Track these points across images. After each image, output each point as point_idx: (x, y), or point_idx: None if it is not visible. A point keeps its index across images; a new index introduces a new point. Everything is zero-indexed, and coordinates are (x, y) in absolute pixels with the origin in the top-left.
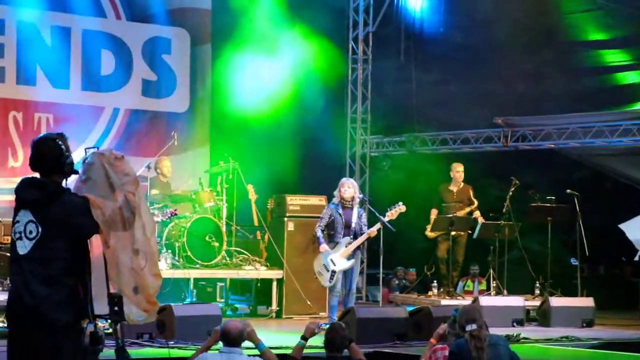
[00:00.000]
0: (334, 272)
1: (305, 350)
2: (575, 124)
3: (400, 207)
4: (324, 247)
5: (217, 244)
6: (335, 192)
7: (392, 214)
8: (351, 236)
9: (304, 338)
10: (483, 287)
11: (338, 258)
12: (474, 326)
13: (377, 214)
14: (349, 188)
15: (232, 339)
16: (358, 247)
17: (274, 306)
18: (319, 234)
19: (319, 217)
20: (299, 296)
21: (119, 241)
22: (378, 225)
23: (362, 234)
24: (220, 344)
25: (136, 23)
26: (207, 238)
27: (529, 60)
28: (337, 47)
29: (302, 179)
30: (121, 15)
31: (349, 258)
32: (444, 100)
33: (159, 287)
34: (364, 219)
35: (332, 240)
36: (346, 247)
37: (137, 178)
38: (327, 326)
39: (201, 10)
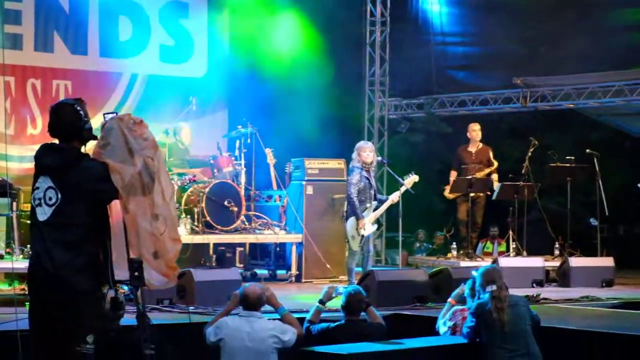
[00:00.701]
0: (363, 236)
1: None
2: (594, 83)
3: (413, 177)
4: (363, 222)
5: (236, 209)
6: (354, 156)
7: (407, 183)
8: (376, 200)
9: (322, 302)
10: (503, 248)
11: (367, 223)
12: (494, 287)
13: (396, 176)
14: (370, 152)
15: (251, 303)
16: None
17: (294, 270)
18: (357, 202)
19: (338, 181)
20: (318, 260)
21: (138, 206)
22: (400, 191)
23: (378, 197)
24: (240, 308)
25: None
26: (225, 203)
27: (551, 20)
28: (355, 9)
29: (321, 143)
30: None
31: (373, 223)
32: (463, 62)
33: (179, 251)
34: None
35: (362, 205)
36: (373, 211)
37: (156, 142)
38: (345, 289)
39: None
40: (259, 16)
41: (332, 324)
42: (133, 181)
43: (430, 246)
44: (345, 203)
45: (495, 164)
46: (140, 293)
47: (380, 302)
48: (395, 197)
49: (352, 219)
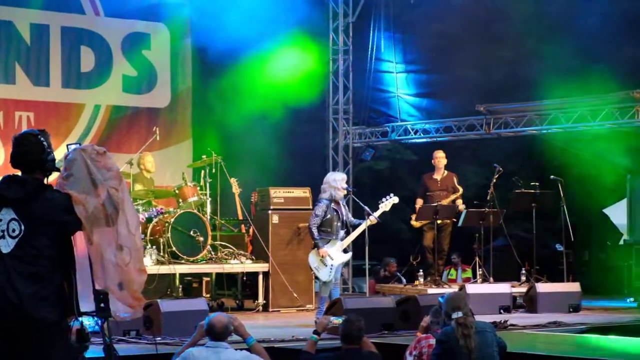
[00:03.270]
0: (332, 266)
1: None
2: (557, 109)
3: (393, 199)
4: (324, 251)
5: (201, 239)
6: (325, 187)
7: (385, 206)
8: (344, 229)
9: (316, 333)
10: (467, 274)
11: (335, 252)
12: (460, 314)
13: (362, 204)
14: (345, 184)
15: (218, 334)
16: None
17: (261, 299)
18: (316, 234)
19: (303, 210)
20: (285, 289)
21: (102, 237)
22: (378, 213)
23: (351, 225)
24: (207, 339)
25: (115, 19)
26: (191, 233)
27: (510, 47)
28: (318, 39)
29: (286, 172)
30: (99, 11)
31: (345, 251)
32: (427, 90)
33: (144, 282)
34: (347, 209)
35: (328, 237)
36: (342, 241)
37: (120, 173)
38: (340, 319)
39: (180, 4)
40: (221, 46)
41: (331, 354)
42: (97, 212)
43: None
44: None
45: (460, 190)
46: (107, 325)
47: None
48: (373, 218)
49: (313, 251)
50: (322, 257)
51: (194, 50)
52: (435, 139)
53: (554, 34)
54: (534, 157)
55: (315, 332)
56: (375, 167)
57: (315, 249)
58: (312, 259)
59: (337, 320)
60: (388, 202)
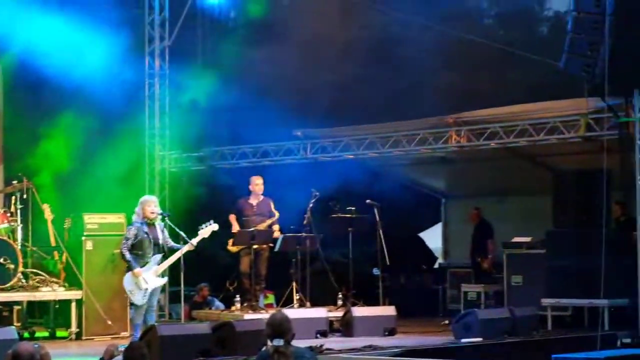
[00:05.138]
0: (147, 289)
1: None
2: (373, 134)
3: (213, 226)
4: (138, 271)
5: (12, 266)
6: (137, 210)
7: (204, 232)
8: (160, 253)
9: None
10: (270, 300)
11: (151, 276)
12: (282, 342)
13: (177, 230)
14: (156, 206)
15: None
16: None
17: (74, 327)
18: (128, 256)
19: (118, 235)
20: (99, 316)
21: None
22: (197, 239)
23: (170, 249)
24: None
25: None
26: (1, 260)
27: (331, 72)
28: (134, 62)
29: (100, 197)
30: None
31: (161, 275)
32: (243, 114)
33: None
34: (167, 234)
35: (141, 259)
36: (158, 265)
37: None
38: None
39: None
40: (32, 68)
41: None
42: None
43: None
44: None
45: (277, 214)
46: None
47: (163, 357)
48: (194, 242)
49: (128, 274)
50: (137, 278)
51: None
52: (253, 164)
53: (373, 59)
54: (351, 182)
55: (101, 359)
56: (193, 192)
57: (130, 271)
58: (127, 281)
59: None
60: (207, 229)
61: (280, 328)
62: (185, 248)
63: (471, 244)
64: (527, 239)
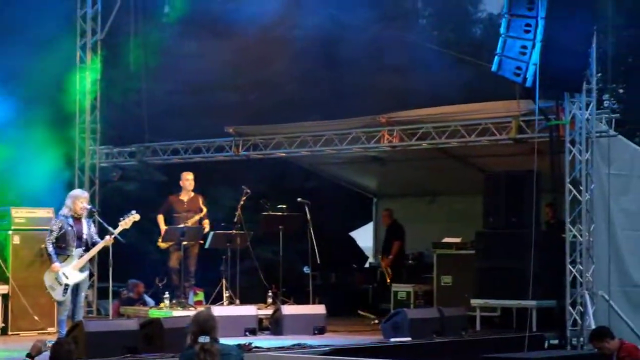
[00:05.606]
0: (67, 285)
1: None
2: (305, 133)
3: (134, 216)
4: (56, 266)
5: None
6: (68, 203)
7: (125, 223)
8: (83, 248)
9: (30, 356)
10: (199, 297)
11: (71, 271)
12: (207, 339)
13: (106, 225)
14: (85, 201)
15: None
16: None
17: None
18: (51, 249)
19: (47, 230)
20: (26, 312)
21: None
22: (116, 231)
23: (93, 244)
24: None
25: None
26: None
27: (264, 70)
28: (66, 55)
29: (28, 191)
30: None
31: (81, 270)
32: (175, 110)
33: None
34: (94, 230)
35: (63, 253)
36: (79, 259)
37: None
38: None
39: None
40: None
41: None
42: None
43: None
44: None
45: (204, 210)
46: None
47: (89, 353)
48: (108, 239)
49: (48, 270)
50: (57, 273)
51: None
52: (185, 160)
53: (308, 58)
54: (283, 180)
55: (28, 355)
56: (124, 187)
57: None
58: (47, 277)
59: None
60: (129, 220)
61: (206, 325)
62: (105, 242)
63: (382, 244)
64: (457, 240)
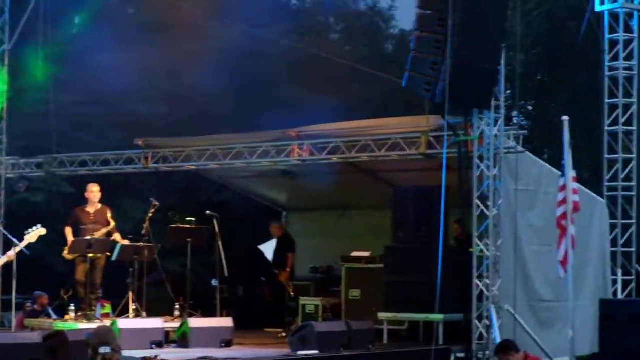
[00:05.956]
0: None
1: None
2: (215, 146)
3: (40, 230)
4: None
5: None
6: None
7: (31, 237)
8: None
9: None
10: (107, 310)
11: None
12: (108, 349)
13: (10, 237)
14: None
15: None
16: None
17: None
18: None
19: None
20: None
21: None
22: (21, 246)
23: None
24: None
25: None
26: None
27: (175, 82)
28: None
29: None
30: None
31: None
32: (84, 122)
33: None
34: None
35: None
36: None
37: None
38: None
39: None
40: None
41: None
42: None
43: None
44: None
45: (113, 223)
46: None
47: None
48: (11, 255)
49: None
50: None
51: None
52: (93, 172)
53: (219, 71)
54: (193, 193)
55: None
56: (31, 199)
57: None
58: None
59: None
60: (34, 233)
61: (107, 337)
62: (6, 257)
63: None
64: (366, 254)
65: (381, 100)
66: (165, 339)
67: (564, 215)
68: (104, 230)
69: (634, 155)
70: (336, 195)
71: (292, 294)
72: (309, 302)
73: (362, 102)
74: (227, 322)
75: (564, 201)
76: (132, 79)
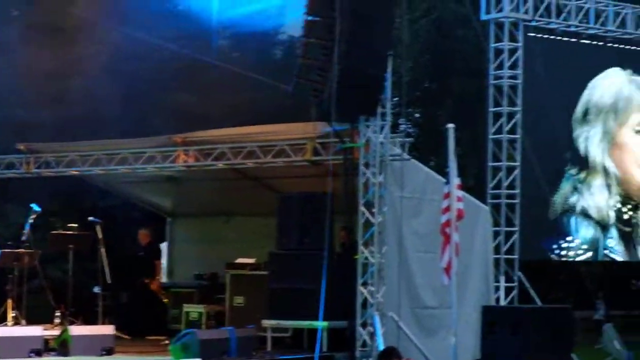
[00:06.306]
0: None
1: None
2: (99, 151)
3: None
4: None
5: None
6: None
7: None
8: None
9: None
10: None
11: None
12: None
13: None
14: None
15: None
16: None
17: None
18: None
19: None
20: None
21: None
22: None
23: None
24: None
25: None
26: None
27: (58, 86)
28: None
29: None
30: None
31: None
32: None
33: None
34: None
35: None
36: None
37: None
38: None
39: None
40: None
41: None
42: None
43: None
44: None
45: None
46: None
47: None
48: None
49: None
50: None
51: None
52: None
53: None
54: (76, 198)
55: None
56: None
57: None
58: None
59: None
60: None
61: None
62: None
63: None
64: (251, 260)
65: (268, 106)
66: (44, 347)
67: (447, 223)
68: None
69: (518, 163)
70: (221, 202)
71: (166, 301)
72: (193, 310)
73: (249, 108)
74: (108, 329)
75: (447, 209)
76: (12, 82)
